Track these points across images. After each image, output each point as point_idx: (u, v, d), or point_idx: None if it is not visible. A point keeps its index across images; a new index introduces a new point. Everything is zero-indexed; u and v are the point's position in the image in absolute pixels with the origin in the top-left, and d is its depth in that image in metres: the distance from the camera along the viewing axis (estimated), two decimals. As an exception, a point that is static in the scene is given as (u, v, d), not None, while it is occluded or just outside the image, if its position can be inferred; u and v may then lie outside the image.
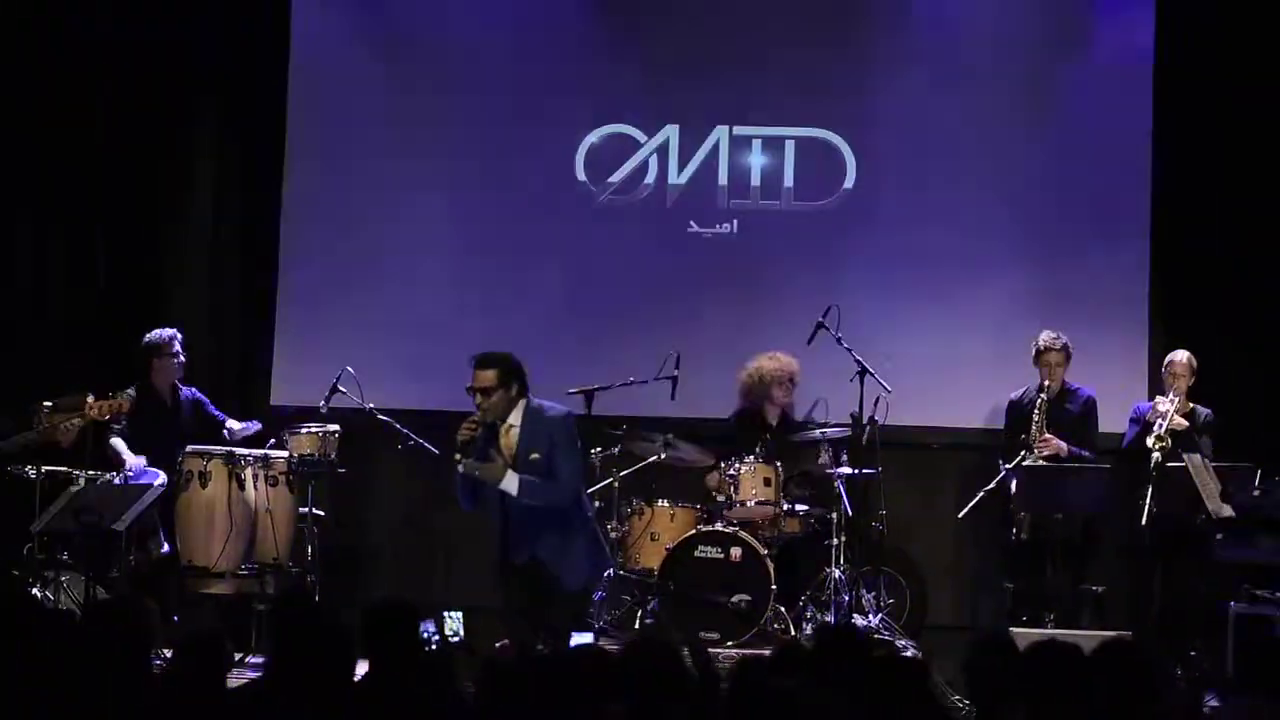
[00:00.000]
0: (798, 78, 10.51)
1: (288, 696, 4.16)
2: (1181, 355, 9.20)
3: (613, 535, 9.22)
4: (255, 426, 9.43)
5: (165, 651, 6.01)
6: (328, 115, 10.71)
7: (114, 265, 10.52)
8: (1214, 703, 8.10)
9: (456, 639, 8.73)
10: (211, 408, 9.53)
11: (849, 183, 10.51)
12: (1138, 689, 4.53)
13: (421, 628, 8.40)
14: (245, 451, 9.07)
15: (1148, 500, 8.68)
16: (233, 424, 9.44)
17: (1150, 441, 8.81)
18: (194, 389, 9.55)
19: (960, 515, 9.23)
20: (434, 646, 7.37)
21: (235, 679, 5.55)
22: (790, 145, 10.55)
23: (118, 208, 10.54)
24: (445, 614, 8.96)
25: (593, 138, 10.61)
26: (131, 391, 8.89)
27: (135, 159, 10.56)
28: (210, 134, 10.74)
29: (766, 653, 5.83)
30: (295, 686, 4.23)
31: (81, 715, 4.28)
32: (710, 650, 8.46)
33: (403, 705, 3.98)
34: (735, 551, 9.07)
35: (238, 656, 8.06)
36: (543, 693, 4.42)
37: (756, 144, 10.56)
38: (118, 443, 9.03)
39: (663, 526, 9.34)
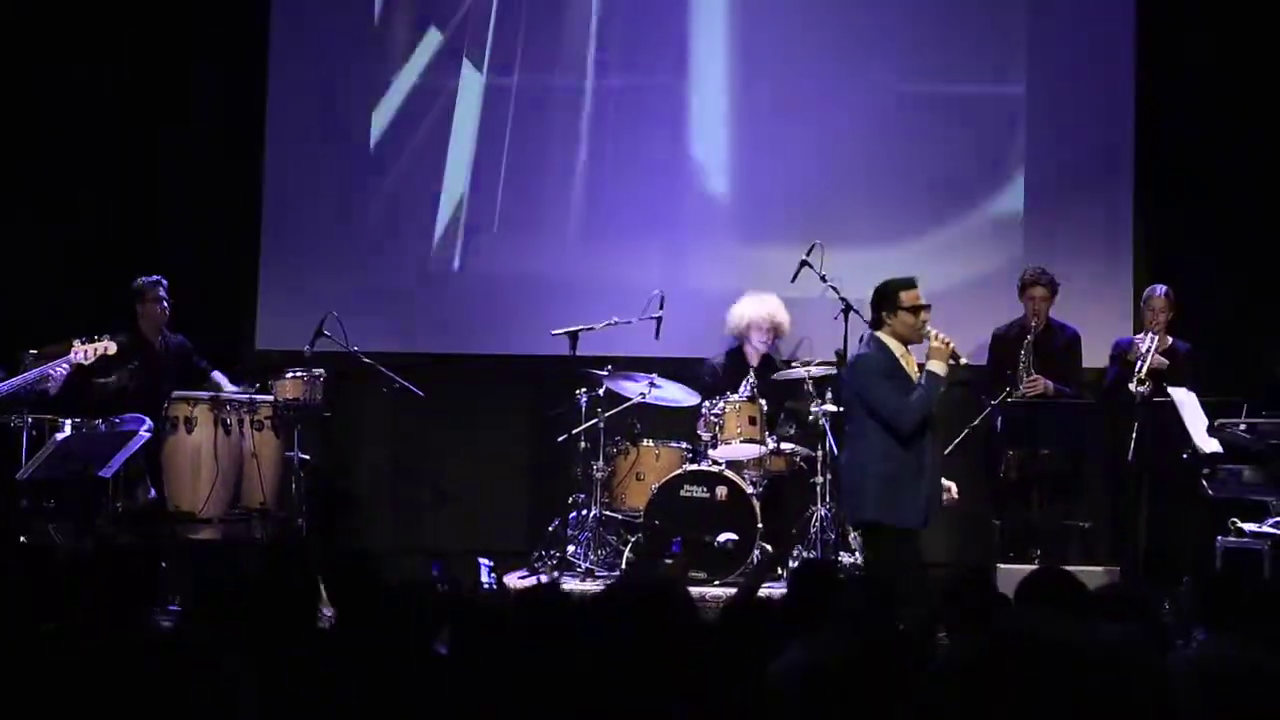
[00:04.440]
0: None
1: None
2: (1159, 290, 9.13)
3: (598, 476, 9.24)
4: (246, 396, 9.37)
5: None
6: (312, 54, 10.62)
7: (99, 210, 10.48)
8: (1201, 637, 8.17)
9: (490, 585, 8.77)
10: (196, 357, 9.51)
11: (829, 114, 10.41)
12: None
13: (432, 568, 8.49)
14: (230, 396, 9.08)
15: (1133, 436, 8.68)
16: (225, 381, 9.38)
17: (1132, 385, 8.76)
18: (181, 336, 9.54)
19: (946, 452, 9.19)
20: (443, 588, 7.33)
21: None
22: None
23: (103, 152, 10.49)
24: (481, 561, 9.02)
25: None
26: (123, 338, 8.89)
27: (123, 104, 10.54)
28: (197, 76, 10.67)
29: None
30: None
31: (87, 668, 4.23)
32: (696, 589, 8.65)
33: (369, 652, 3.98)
34: (721, 491, 9.07)
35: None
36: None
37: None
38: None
39: (648, 466, 9.34)
